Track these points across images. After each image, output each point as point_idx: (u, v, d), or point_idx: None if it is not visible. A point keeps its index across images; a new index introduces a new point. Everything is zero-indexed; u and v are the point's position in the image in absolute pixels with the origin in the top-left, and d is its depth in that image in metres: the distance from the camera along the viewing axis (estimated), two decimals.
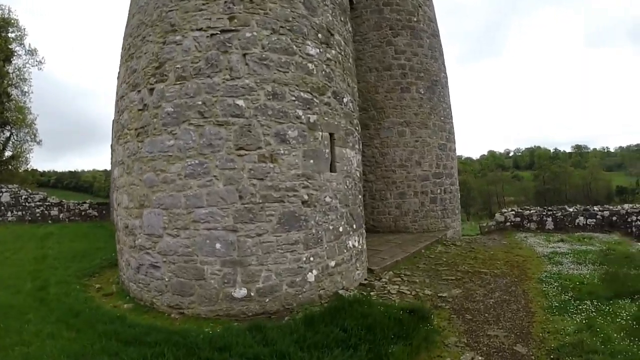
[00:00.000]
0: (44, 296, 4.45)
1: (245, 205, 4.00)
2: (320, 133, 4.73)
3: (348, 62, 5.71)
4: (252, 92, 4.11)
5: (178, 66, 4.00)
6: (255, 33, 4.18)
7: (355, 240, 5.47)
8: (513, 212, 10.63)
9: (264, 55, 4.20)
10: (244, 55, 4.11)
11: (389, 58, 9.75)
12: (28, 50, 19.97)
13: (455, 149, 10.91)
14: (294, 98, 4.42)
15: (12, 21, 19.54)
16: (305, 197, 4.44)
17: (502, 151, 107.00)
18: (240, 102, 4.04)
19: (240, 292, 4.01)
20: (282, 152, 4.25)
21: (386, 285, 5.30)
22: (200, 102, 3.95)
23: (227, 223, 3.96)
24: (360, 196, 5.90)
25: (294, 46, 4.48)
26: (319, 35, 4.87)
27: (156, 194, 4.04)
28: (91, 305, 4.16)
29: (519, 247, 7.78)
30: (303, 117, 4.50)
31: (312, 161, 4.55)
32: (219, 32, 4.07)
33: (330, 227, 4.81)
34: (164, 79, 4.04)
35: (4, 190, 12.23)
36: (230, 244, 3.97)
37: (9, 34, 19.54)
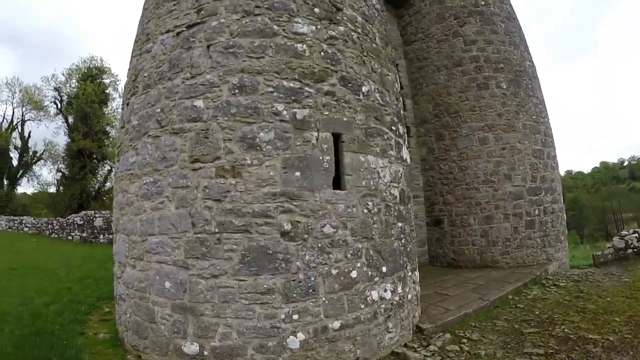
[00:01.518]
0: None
1: (198, 235, 3.02)
2: (315, 133, 3.35)
3: (372, 42, 4.16)
4: (213, 88, 3.22)
5: (145, 74, 3.56)
6: (222, 20, 3.35)
7: (386, 290, 3.62)
8: (636, 235, 7.57)
9: (230, 43, 3.29)
10: (208, 47, 3.32)
11: (458, 51, 7.84)
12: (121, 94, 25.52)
13: (555, 156, 8.11)
14: (271, 89, 3.28)
15: (106, 69, 24.82)
16: (287, 226, 3.09)
17: (615, 161, 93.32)
18: (199, 103, 3.21)
19: (192, 347, 2.96)
20: (248, 162, 3.11)
21: None
22: (159, 110, 3.34)
23: (177, 257, 3.06)
24: (401, 225, 4.03)
25: (275, 26, 3.39)
26: (316, 10, 3.62)
27: (123, 218, 3.61)
28: (76, 328, 4.12)
29: None
30: (285, 112, 3.27)
31: (298, 173, 3.21)
32: (185, 29, 3.46)
33: (334, 271, 3.24)
34: (135, 91, 3.69)
35: (97, 215, 14.81)
36: (180, 285, 3.03)
37: (104, 80, 24.57)
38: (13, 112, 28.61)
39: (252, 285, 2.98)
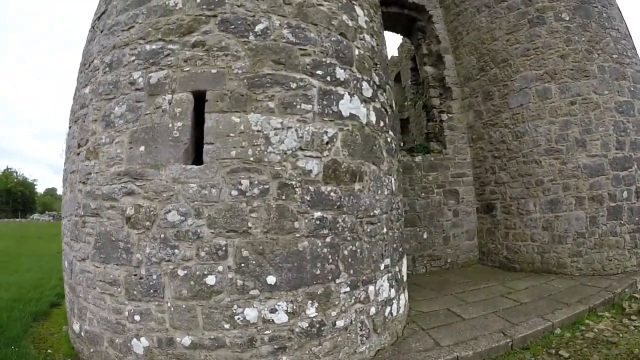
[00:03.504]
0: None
1: (75, 218, 3.04)
2: (168, 97, 2.67)
3: None
4: (95, 72, 3.16)
5: None
6: (115, 2, 3.25)
7: (275, 310, 2.47)
8: None
9: (113, 23, 3.11)
10: (100, 32, 3.32)
11: None
12: None
13: None
14: (133, 58, 2.86)
15: None
16: (129, 210, 2.62)
17: None
18: (86, 90, 3.24)
19: (75, 326, 3.04)
20: (103, 140, 2.83)
21: None
22: (73, 102, 3.62)
23: (67, 238, 3.23)
24: (320, 215, 2.65)
25: None
26: None
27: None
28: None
29: None
30: (140, 80, 2.77)
31: (142, 148, 2.65)
32: (96, 21, 3.58)
33: (181, 272, 2.48)
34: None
35: None
36: (68, 264, 3.17)
37: None
38: None
39: (102, 273, 2.72)
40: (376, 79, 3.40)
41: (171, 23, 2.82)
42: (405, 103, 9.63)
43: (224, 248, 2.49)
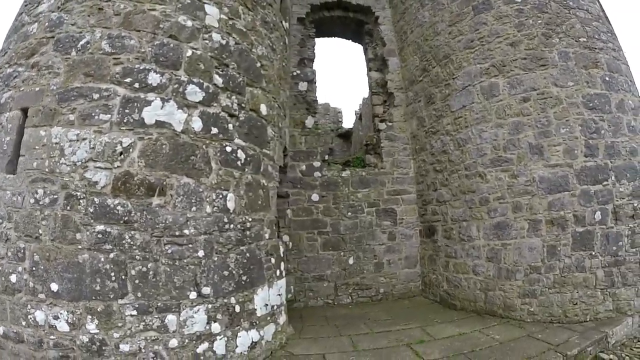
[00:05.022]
0: None
1: None
2: (7, 114, 2.97)
3: None
4: None
5: None
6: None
7: (58, 317, 2.64)
8: None
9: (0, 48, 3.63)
10: None
11: None
12: None
13: (638, 107, 4.25)
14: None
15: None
16: None
17: None
18: None
19: None
20: None
21: None
22: None
23: None
24: (102, 228, 2.63)
25: (25, 17, 3.34)
26: None
27: None
28: None
29: None
30: None
31: None
32: None
33: None
34: None
35: None
36: None
37: None
38: None
39: None
40: (219, 81, 3.07)
41: (24, 48, 3.11)
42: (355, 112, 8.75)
43: (22, 251, 2.70)
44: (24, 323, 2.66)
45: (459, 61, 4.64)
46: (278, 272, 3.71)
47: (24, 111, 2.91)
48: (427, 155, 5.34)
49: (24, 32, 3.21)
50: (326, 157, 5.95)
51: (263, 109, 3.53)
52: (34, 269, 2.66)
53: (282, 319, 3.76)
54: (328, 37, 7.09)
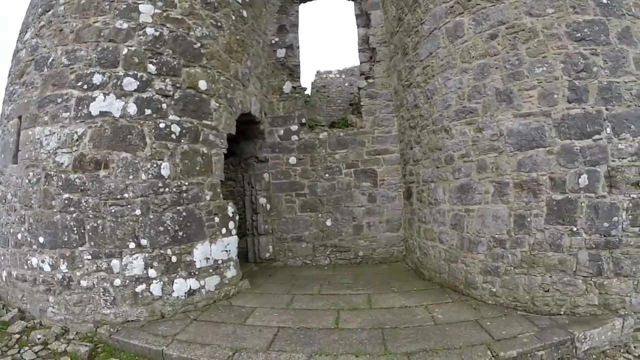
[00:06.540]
0: None
1: None
2: (12, 121, 4.13)
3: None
4: None
5: None
6: None
7: (44, 261, 3.66)
8: None
9: (10, 66, 4.93)
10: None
11: None
12: None
13: None
14: (6, 97, 4.46)
15: None
16: None
17: None
18: None
19: None
20: None
21: None
22: None
23: None
24: (68, 196, 3.60)
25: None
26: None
27: None
28: None
29: None
30: (4, 112, 4.36)
31: (2, 155, 4.23)
32: None
33: (11, 230, 3.92)
34: None
35: None
36: None
37: None
38: None
39: None
40: (152, 69, 3.84)
41: (18, 70, 4.24)
42: None
43: (23, 217, 3.79)
44: (25, 267, 3.73)
45: (426, 3, 4.30)
46: (224, 230, 4.34)
47: (20, 118, 4.03)
48: (405, 111, 5.04)
49: (17, 57, 4.34)
50: (303, 120, 5.91)
51: (202, 84, 4.21)
52: (29, 228, 3.72)
53: (231, 273, 4.43)
54: None
